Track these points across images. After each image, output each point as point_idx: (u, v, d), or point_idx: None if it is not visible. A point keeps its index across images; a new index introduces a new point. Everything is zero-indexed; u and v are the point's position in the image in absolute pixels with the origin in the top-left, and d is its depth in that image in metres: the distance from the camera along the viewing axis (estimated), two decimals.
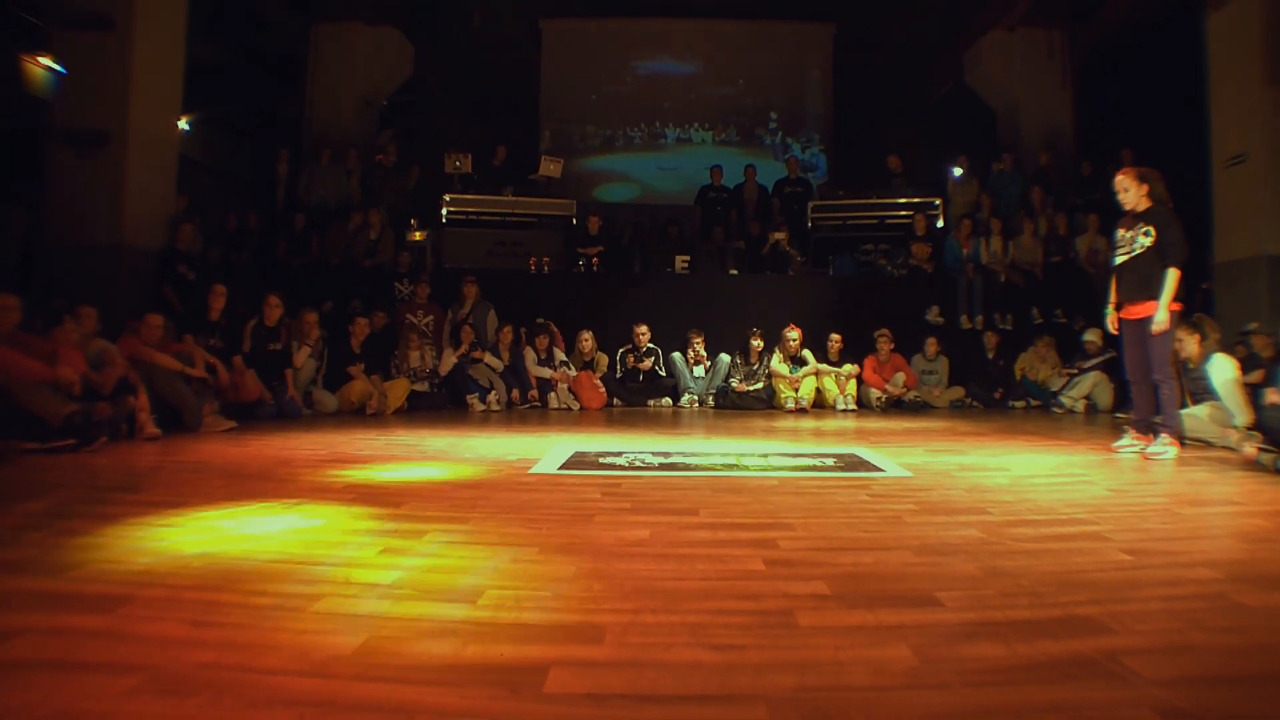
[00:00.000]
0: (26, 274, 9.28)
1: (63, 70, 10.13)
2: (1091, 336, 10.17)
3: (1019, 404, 10.66)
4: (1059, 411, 10.02)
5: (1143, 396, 6.18)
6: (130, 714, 1.67)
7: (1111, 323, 6.33)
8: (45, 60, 10.36)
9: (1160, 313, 5.86)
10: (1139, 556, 2.92)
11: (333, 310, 10.05)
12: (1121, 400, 9.24)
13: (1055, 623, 2.20)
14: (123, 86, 9.72)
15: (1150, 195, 6.07)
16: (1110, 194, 6.47)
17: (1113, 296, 6.30)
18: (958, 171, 13.81)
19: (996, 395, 10.82)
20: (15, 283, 8.08)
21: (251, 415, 8.29)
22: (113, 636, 2.11)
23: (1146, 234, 5.99)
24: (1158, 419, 6.04)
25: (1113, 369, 9.27)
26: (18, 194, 10.00)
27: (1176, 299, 5.93)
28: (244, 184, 16.54)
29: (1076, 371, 10.16)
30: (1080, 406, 10.01)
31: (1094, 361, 10.03)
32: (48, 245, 9.74)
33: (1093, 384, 10.02)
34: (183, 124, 11.19)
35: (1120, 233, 6.24)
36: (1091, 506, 3.88)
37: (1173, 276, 5.85)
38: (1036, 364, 10.73)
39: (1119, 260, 6.21)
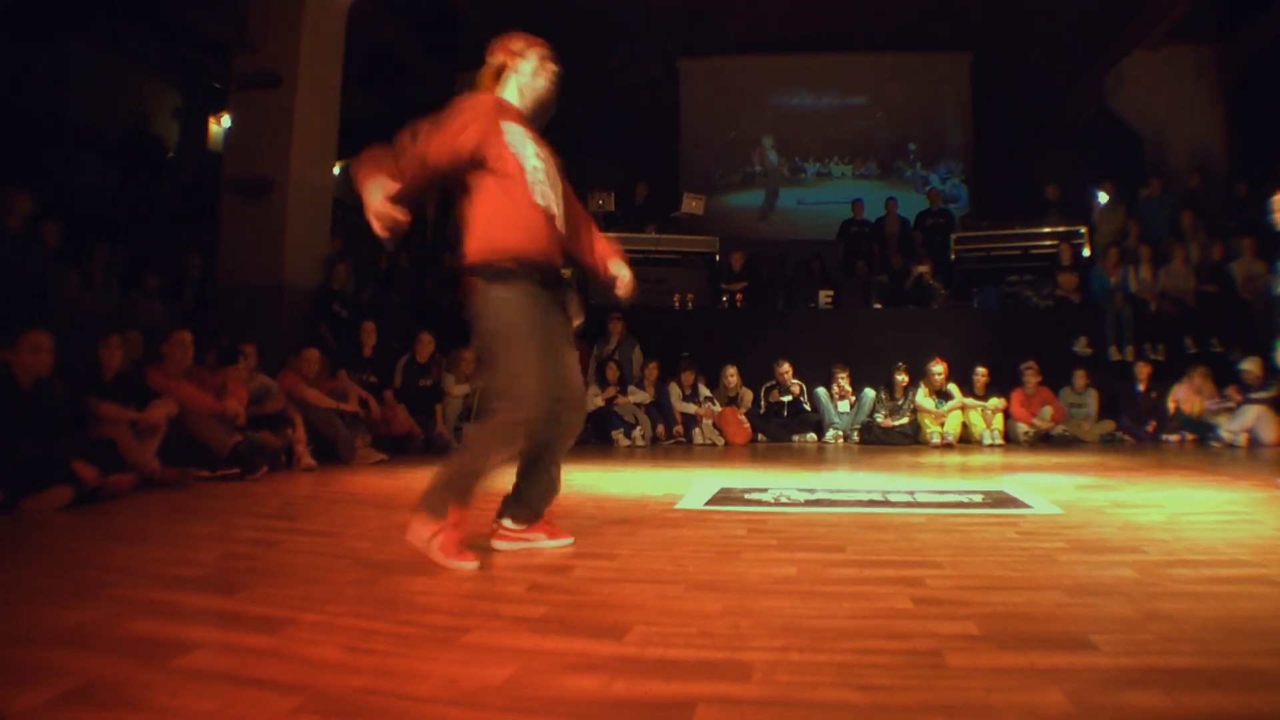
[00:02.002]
0: (199, 313, 9.86)
1: (231, 125, 10.69)
2: (1250, 366, 9.61)
3: (1173, 438, 10.16)
4: (1217, 446, 9.51)
5: None
6: None
7: None
8: (224, 118, 11.06)
9: None
10: None
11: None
12: None
13: (1224, 673, 2.07)
14: (285, 138, 10.20)
15: None
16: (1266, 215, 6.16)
17: None
18: (1103, 198, 13.38)
19: (1149, 429, 10.36)
20: (190, 321, 8.64)
21: (402, 449, 8.53)
22: (277, 656, 2.22)
23: None
24: None
25: (1278, 401, 8.84)
26: (197, 241, 10.67)
27: None
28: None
29: (1234, 405, 9.67)
30: (1241, 440, 9.47)
31: (1262, 394, 9.51)
32: (218, 286, 10.26)
33: (1255, 417, 9.50)
34: (336, 170, 11.68)
35: None
36: (1258, 547, 3.67)
37: None
38: (1191, 396, 10.26)
39: None
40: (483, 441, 3.52)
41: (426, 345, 9.28)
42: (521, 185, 3.58)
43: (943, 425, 10.13)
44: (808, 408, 10.83)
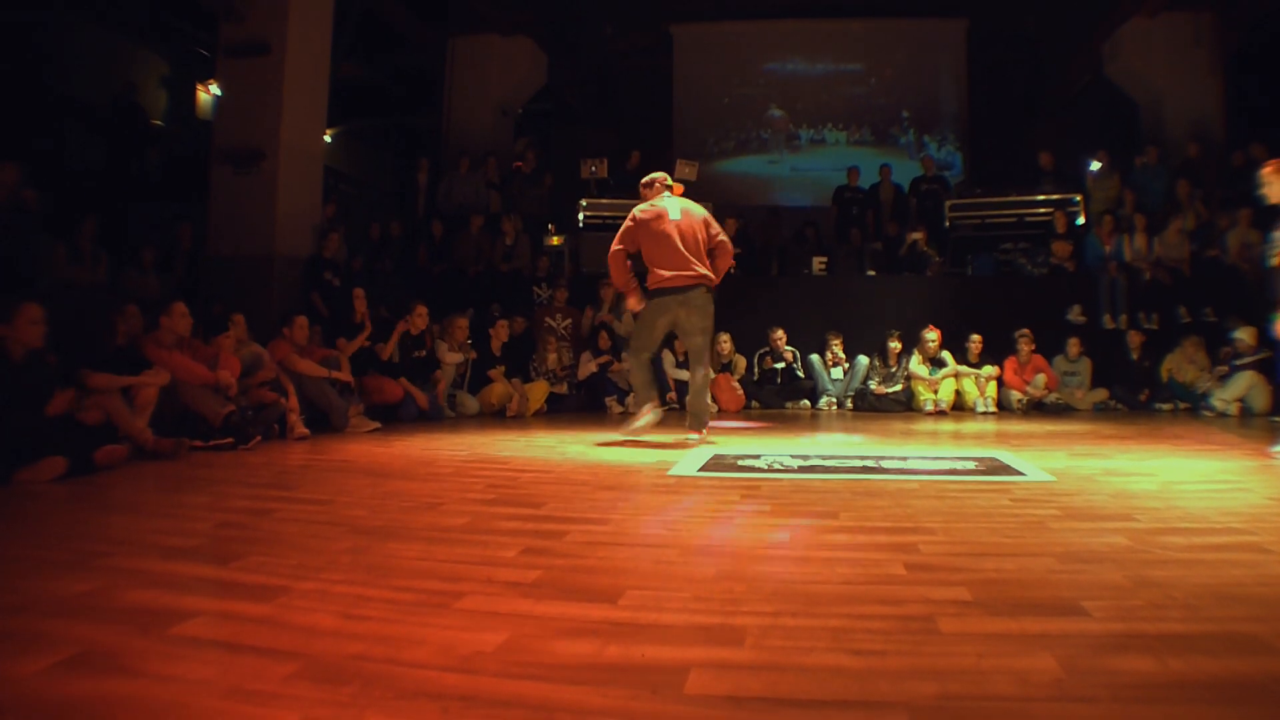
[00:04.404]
0: (192, 283, 9.87)
1: (220, 94, 10.64)
2: (1243, 335, 9.59)
3: (1166, 406, 10.22)
4: (1209, 415, 9.52)
5: None
6: (290, 698, 1.76)
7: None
8: (212, 87, 11.00)
9: None
10: None
11: (473, 315, 10.28)
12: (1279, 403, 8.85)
13: (1212, 639, 2.09)
14: (275, 106, 10.15)
15: None
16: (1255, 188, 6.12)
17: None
18: (1095, 166, 13.33)
19: (1142, 397, 10.39)
20: (183, 292, 8.65)
21: (395, 417, 8.53)
22: (272, 624, 2.23)
23: None
24: None
25: (1270, 369, 8.82)
26: (187, 211, 10.64)
27: None
28: (386, 193, 17.06)
29: (1227, 370, 9.69)
30: (1233, 409, 9.48)
31: (1248, 360, 9.51)
32: (209, 256, 10.24)
33: (1247, 385, 9.50)
34: (326, 137, 11.63)
35: (1278, 232, 5.92)
36: (1248, 515, 3.68)
37: None
38: (1184, 365, 10.26)
39: (1276, 260, 5.89)
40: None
41: (421, 318, 9.26)
42: None
43: (936, 392, 10.15)
44: (801, 375, 10.84)
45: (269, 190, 10.09)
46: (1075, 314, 11.19)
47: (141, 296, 8.06)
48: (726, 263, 7.14)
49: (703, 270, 6.85)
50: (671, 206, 6.94)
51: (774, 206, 15.47)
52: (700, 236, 6.92)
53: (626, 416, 9.21)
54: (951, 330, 10.50)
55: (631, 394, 10.02)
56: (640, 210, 6.95)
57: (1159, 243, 11.48)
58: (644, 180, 7.26)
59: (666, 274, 6.77)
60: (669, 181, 7.23)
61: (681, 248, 6.78)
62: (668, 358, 10.45)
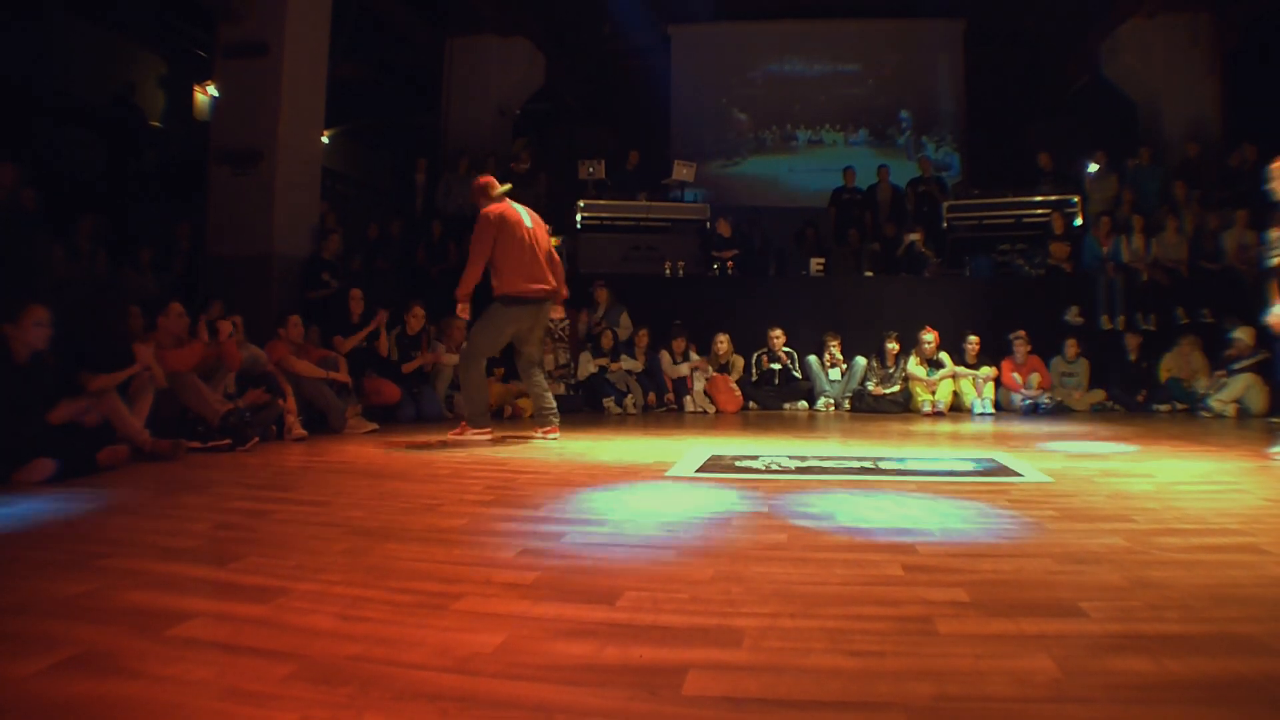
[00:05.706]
0: (189, 284, 9.87)
1: (218, 94, 10.64)
2: (1241, 334, 9.59)
3: (1163, 407, 10.16)
4: (1207, 415, 9.48)
5: None
6: (288, 699, 1.77)
7: (1276, 322, 5.98)
8: (210, 87, 11.00)
9: None
10: None
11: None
12: (1277, 404, 8.84)
13: (1209, 639, 2.10)
14: (273, 107, 10.13)
15: None
16: (1258, 185, 6.12)
17: (1275, 297, 5.96)
18: (1093, 167, 13.34)
19: (1139, 398, 10.35)
20: (181, 292, 8.66)
21: (393, 418, 8.52)
22: (270, 625, 2.24)
23: None
24: None
25: (1267, 370, 8.82)
26: (185, 211, 10.65)
27: None
28: (384, 193, 17.05)
29: (1226, 375, 9.67)
30: (1230, 410, 9.44)
31: (1245, 362, 9.50)
32: (208, 257, 10.25)
33: (1245, 386, 9.48)
34: (324, 138, 11.62)
35: (1274, 233, 5.92)
36: (1245, 516, 3.69)
37: None
38: (1182, 366, 10.29)
39: (1274, 261, 5.90)
40: None
41: (418, 318, 9.25)
42: None
43: (934, 393, 10.13)
44: (799, 375, 10.82)
45: (267, 191, 10.08)
46: (1073, 315, 11.18)
47: (140, 296, 8.06)
48: (561, 277, 7.32)
49: (554, 283, 7.09)
50: (522, 213, 7.04)
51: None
52: (546, 247, 7.14)
53: (624, 417, 9.23)
54: (949, 331, 10.48)
55: (630, 395, 10.02)
56: (495, 211, 6.90)
57: (1157, 243, 11.47)
58: (482, 183, 7.17)
59: (529, 283, 6.89)
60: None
61: (540, 257, 6.98)
62: (665, 358, 10.44)
